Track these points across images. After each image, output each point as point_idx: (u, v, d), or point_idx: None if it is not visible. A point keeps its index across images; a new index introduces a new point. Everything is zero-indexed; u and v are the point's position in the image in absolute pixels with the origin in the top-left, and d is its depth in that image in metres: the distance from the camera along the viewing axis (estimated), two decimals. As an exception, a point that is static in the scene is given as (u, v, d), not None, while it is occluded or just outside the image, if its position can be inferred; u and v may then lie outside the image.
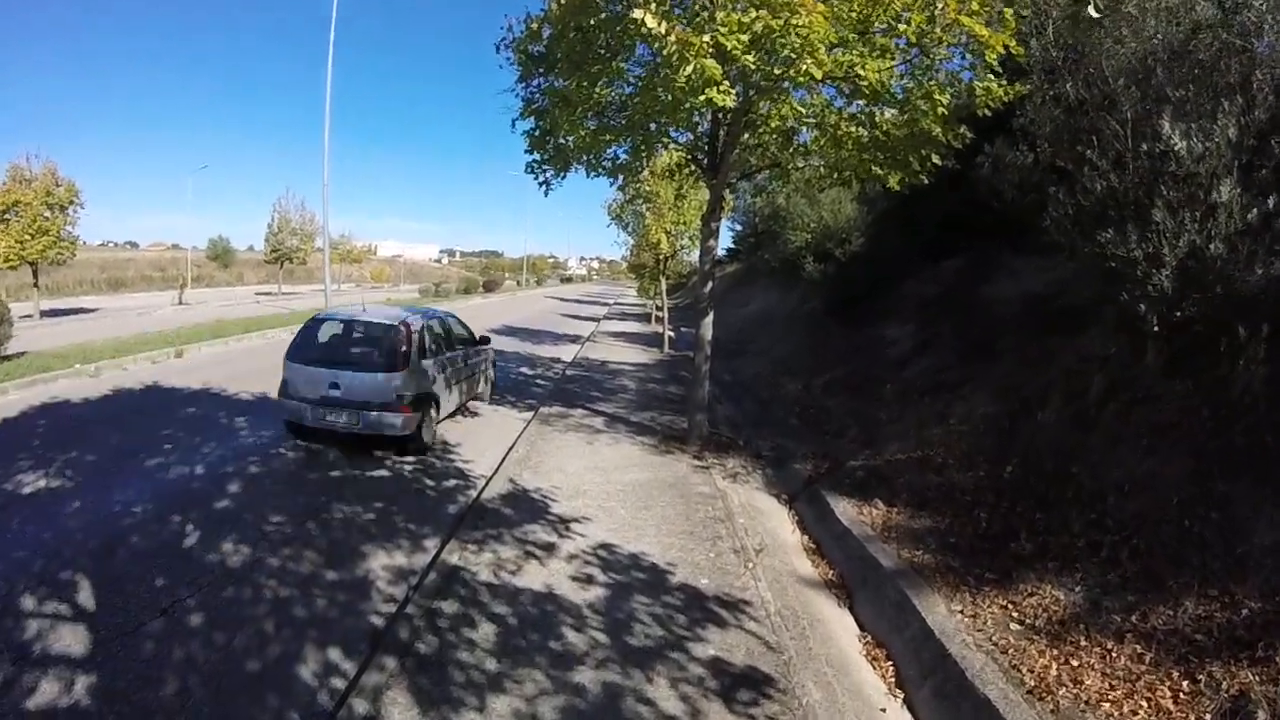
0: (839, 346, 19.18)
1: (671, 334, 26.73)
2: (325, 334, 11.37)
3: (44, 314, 28.71)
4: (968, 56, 8.80)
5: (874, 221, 20.17)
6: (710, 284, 10.96)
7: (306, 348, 10.84)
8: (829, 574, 7.88)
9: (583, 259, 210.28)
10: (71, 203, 28.14)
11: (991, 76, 8.74)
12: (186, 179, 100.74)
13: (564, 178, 11.41)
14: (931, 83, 8.75)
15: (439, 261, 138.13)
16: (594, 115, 9.96)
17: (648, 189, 21.26)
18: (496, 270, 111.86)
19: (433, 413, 10.81)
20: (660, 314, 31.88)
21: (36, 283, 29.06)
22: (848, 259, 19.82)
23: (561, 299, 68.24)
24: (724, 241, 25.25)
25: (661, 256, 23.64)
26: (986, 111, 9.12)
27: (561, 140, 10.35)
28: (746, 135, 10.82)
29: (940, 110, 8.68)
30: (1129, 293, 7.71)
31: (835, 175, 11.47)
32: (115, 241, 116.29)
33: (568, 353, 23.86)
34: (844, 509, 9.01)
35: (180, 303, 37.61)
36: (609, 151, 11.02)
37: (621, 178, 12.05)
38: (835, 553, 8.30)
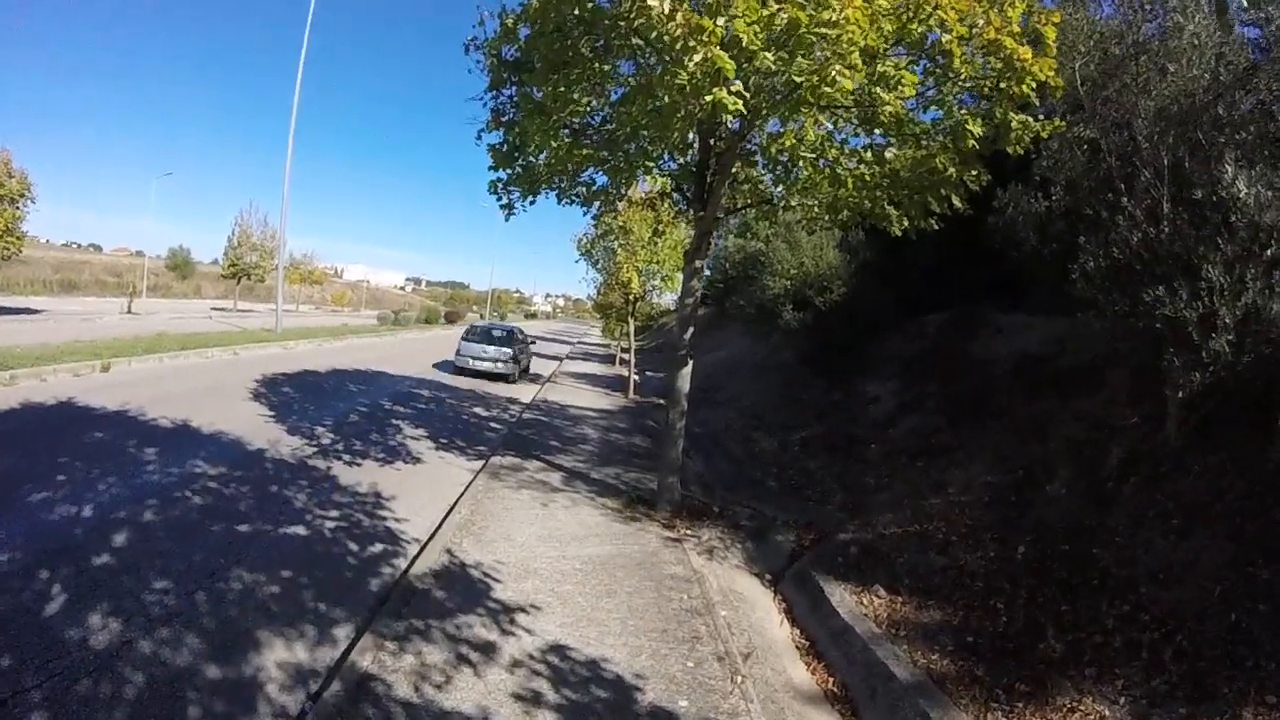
0: (816, 400, 18.10)
1: (637, 378, 25.42)
2: (480, 328, 26.27)
3: (-15, 312, 26.95)
4: (999, 86, 7.59)
5: (856, 270, 19.17)
6: (691, 329, 9.66)
7: (470, 334, 25.65)
8: (829, 683, 6.57)
9: (548, 295, 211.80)
10: (23, 195, 26.18)
11: (1016, 110, 7.62)
12: (150, 184, 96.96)
13: (531, 202, 10.11)
14: (964, 110, 7.56)
15: (403, 289, 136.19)
16: (571, 130, 8.71)
17: (622, 223, 20.06)
18: (461, 302, 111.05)
19: (517, 367, 25.06)
20: (625, 356, 30.69)
21: (-20, 279, 26.94)
22: (828, 308, 18.72)
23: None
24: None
25: (631, 296, 22.36)
26: (1018, 149, 7.99)
27: (531, 158, 9.06)
28: (739, 167, 9.66)
29: (971, 143, 7.51)
30: (1177, 356, 6.81)
31: (829, 216, 10.34)
32: (79, 243, 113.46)
33: (527, 394, 22.36)
34: (841, 597, 7.78)
35: (129, 311, 36.43)
36: (584, 175, 9.78)
37: (597, 205, 10.71)
38: (835, 654, 7.00)
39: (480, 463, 12.19)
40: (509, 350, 24.88)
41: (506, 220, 10.10)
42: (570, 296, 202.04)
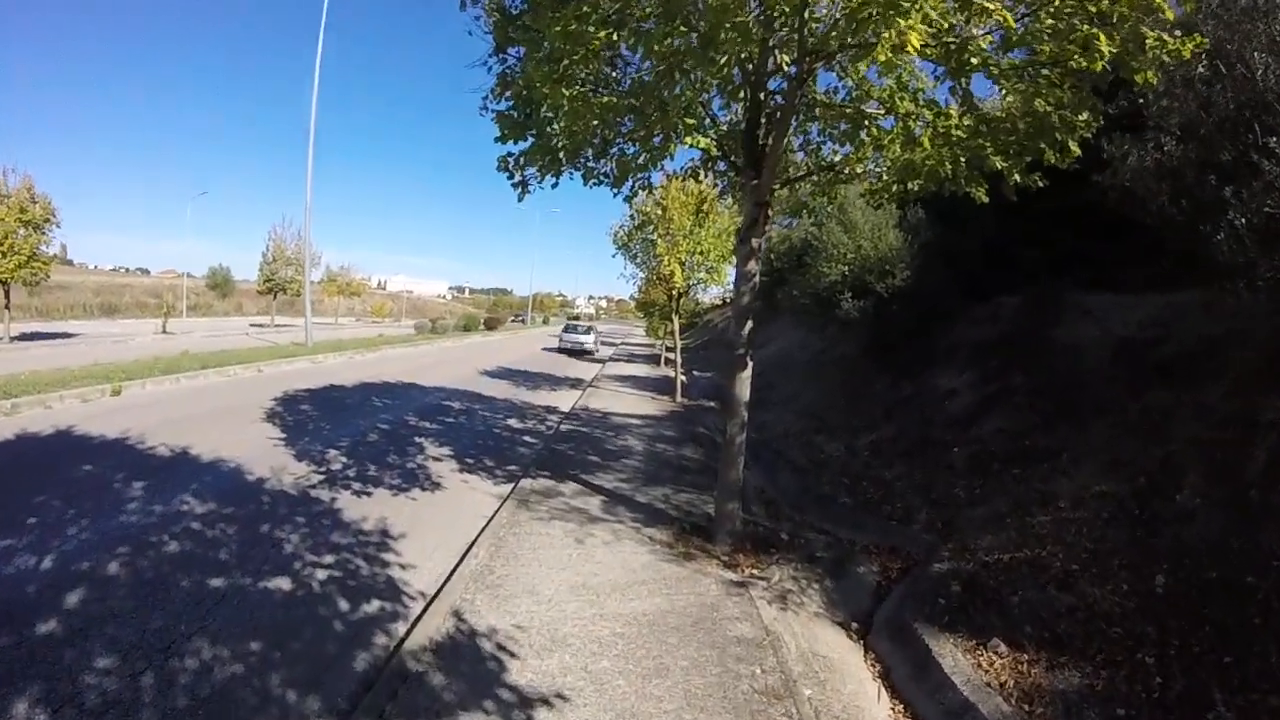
0: (882, 397, 16.38)
1: (684, 379, 23.69)
2: (571, 325, 49.49)
3: (16, 338, 27.46)
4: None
5: (918, 252, 17.38)
6: (749, 324, 7.98)
7: (567, 329, 46.65)
8: (956, 796, 4.91)
9: (591, 297, 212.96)
10: (48, 220, 26.41)
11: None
12: (186, 205, 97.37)
13: (554, 184, 8.53)
14: (1087, 26, 5.81)
15: (443, 298, 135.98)
16: (590, 82, 7.12)
17: (660, 210, 18.43)
18: (504, 308, 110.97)
19: (595, 341, 44.16)
20: (670, 356, 29.07)
21: (7, 304, 26.91)
22: (890, 295, 16.94)
23: (566, 338, 65.80)
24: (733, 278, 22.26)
25: (674, 292, 20.65)
26: (1150, 77, 6.19)
27: (547, 126, 7.43)
28: (798, 122, 8.02)
29: (1100, 65, 5.76)
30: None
31: (898, 185, 8.67)
32: (127, 267, 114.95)
33: (566, 401, 20.82)
34: (954, 659, 6.15)
35: (164, 331, 36.27)
36: (613, 148, 8.15)
37: (630, 185, 9.07)
38: (958, 746, 5.38)
39: (509, 486, 10.65)
40: (590, 336, 44.13)
41: (520, 200, 8.47)
42: (613, 297, 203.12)
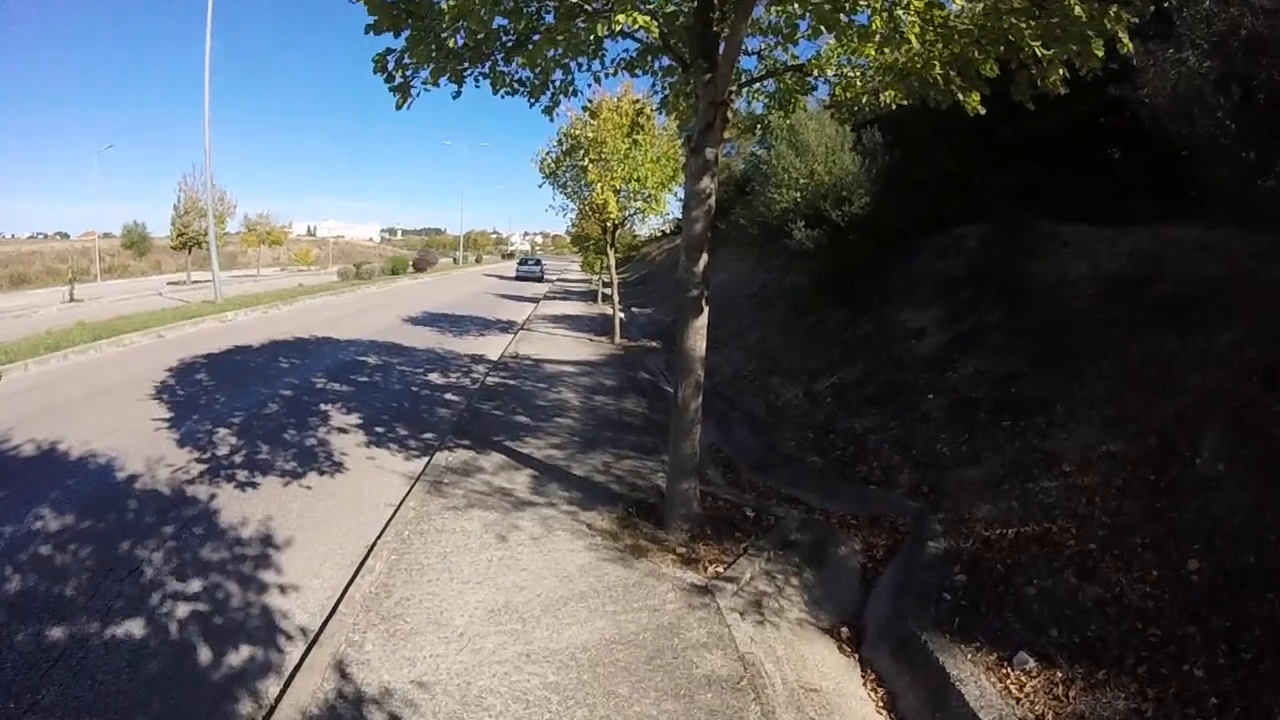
0: (839, 335, 15.10)
1: (622, 318, 22.02)
2: (523, 257, 74.69)
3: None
4: None
5: (877, 177, 15.98)
6: (703, 257, 6.38)
7: (520, 262, 64.75)
8: None
9: (526, 233, 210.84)
10: None
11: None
12: (91, 161, 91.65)
13: (457, 92, 6.77)
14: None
15: (371, 241, 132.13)
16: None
17: (590, 133, 16.57)
18: (438, 247, 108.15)
19: (542, 271, 60.36)
20: (608, 293, 27.48)
21: None
22: (847, 223, 15.54)
23: (500, 277, 63.15)
24: (672, 208, 20.32)
25: (609, 224, 18.88)
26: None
27: (431, 6, 5.62)
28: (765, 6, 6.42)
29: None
30: None
31: (872, 94, 7.27)
32: (45, 233, 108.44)
33: (495, 348, 19.08)
34: (975, 683, 4.97)
35: (70, 299, 32.88)
36: (528, 41, 6.36)
37: (550, 93, 7.32)
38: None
39: (422, 462, 9.09)
40: (539, 267, 59.84)
41: (399, 107, 6.61)
42: (549, 233, 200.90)
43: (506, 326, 24.56)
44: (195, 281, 47.95)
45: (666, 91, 8.33)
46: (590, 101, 16.48)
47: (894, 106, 7.50)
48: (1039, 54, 5.20)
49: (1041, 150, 14.52)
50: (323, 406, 11.74)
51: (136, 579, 5.86)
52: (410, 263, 61.21)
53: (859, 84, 7.28)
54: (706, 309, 6.51)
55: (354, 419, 11.10)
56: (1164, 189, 12.46)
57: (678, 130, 17.47)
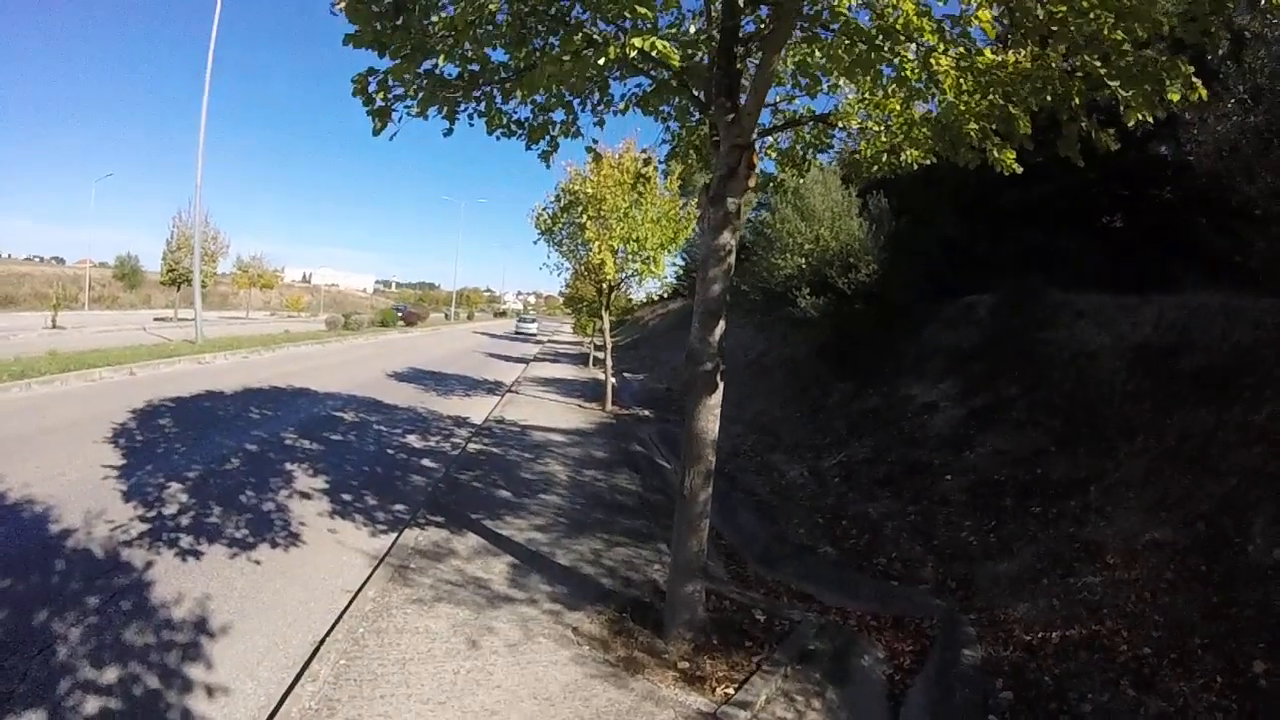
0: (845, 409, 14.30)
1: (615, 383, 21.14)
2: (521, 316, 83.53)
3: None
4: None
5: (885, 244, 15.34)
6: (719, 325, 5.51)
7: (519, 319, 77.55)
8: None
9: (519, 293, 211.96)
10: None
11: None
12: (90, 188, 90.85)
13: (449, 129, 5.93)
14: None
15: (365, 292, 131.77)
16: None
17: (589, 190, 15.81)
18: (431, 302, 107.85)
19: (537, 329, 68.66)
20: (600, 356, 26.63)
21: None
22: (853, 291, 14.82)
23: (491, 335, 62.56)
24: (668, 274, 19.46)
25: (605, 286, 18.17)
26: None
27: (424, 19, 4.80)
28: (793, 44, 5.66)
29: None
30: None
31: (890, 154, 6.72)
32: (41, 256, 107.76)
33: (480, 410, 18.06)
34: None
35: (53, 326, 32.18)
36: (523, 63, 5.53)
37: (550, 139, 6.49)
38: None
39: (389, 539, 8.08)
40: (534, 325, 67.89)
41: (376, 134, 5.73)
42: (541, 293, 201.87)
43: (494, 388, 23.57)
44: (182, 319, 47.10)
45: (676, 141, 7.53)
46: (595, 143, 15.81)
47: (914, 166, 6.78)
48: (1120, 95, 4.42)
49: (1046, 216, 13.97)
50: (288, 466, 10.75)
51: (47, 659, 4.93)
52: (400, 316, 60.49)
53: (882, 139, 6.52)
54: (721, 386, 5.64)
55: (320, 482, 10.11)
56: (1182, 255, 11.80)
57: (678, 189, 16.77)
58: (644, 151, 16.24)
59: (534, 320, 74.77)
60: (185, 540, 7.49)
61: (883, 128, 6.49)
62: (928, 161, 6.65)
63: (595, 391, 22.46)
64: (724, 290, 5.36)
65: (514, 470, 11.43)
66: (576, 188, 15.91)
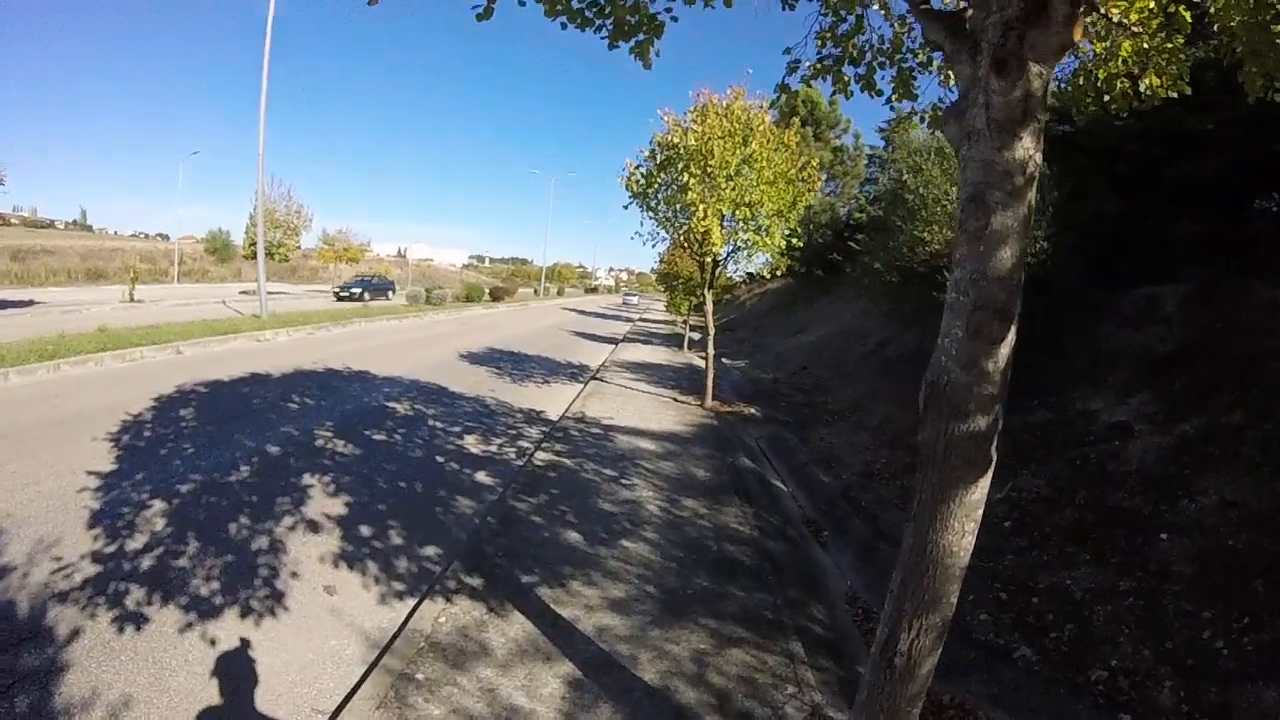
0: (1006, 424, 11.32)
1: (715, 372, 17.67)
2: (626, 293, 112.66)
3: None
4: None
5: (1052, 218, 12.37)
6: (1010, 332, 2.75)
7: (626, 294, 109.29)
8: None
9: (611, 269, 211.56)
10: None
11: None
12: (178, 166, 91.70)
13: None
14: None
15: (453, 266, 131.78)
16: None
17: (692, 140, 13.13)
18: (523, 278, 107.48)
19: (639, 304, 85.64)
20: (695, 336, 23.96)
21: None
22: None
23: (580, 311, 60.18)
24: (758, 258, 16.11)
25: (710, 260, 15.26)
26: None
27: None
28: None
29: None
30: None
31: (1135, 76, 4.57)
32: (147, 233, 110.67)
33: (558, 402, 15.61)
34: None
35: (130, 299, 31.87)
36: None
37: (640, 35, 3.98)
38: None
39: (401, 612, 5.73)
40: (636, 298, 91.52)
41: (480, 19, 3.52)
42: (633, 270, 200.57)
43: (577, 372, 21.17)
44: (268, 293, 46.58)
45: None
46: (695, 107, 13.18)
47: (1155, 100, 4.26)
48: None
49: (1224, 194, 11.09)
50: (305, 480, 8.53)
51: None
52: (487, 291, 58.87)
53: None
54: (994, 459, 2.94)
55: (338, 505, 7.85)
56: None
57: (796, 146, 13.93)
58: (759, 97, 13.57)
59: (637, 296, 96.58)
60: (135, 596, 5.50)
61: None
62: (1172, 94, 4.37)
63: (692, 381, 19.82)
64: (1019, 259, 2.64)
65: (589, 497, 8.87)
66: (677, 140, 13.13)
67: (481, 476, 9.52)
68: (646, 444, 11.95)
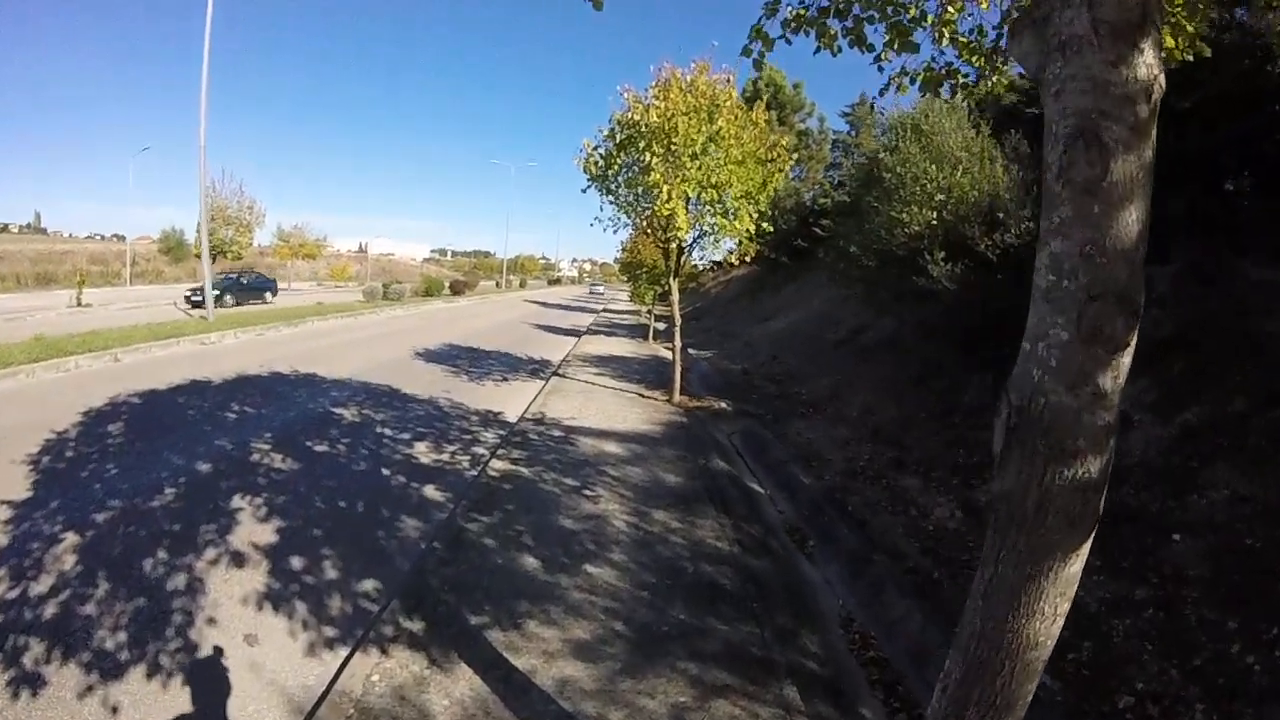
0: (983, 411, 10.80)
1: (683, 365, 16.69)
2: (591, 284, 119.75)
3: None
4: None
5: (1036, 197, 11.71)
6: (1134, 332, 1.95)
7: (592, 284, 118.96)
8: None
9: (574, 260, 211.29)
10: None
11: None
12: (129, 163, 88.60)
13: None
14: None
15: (414, 260, 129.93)
16: None
17: (656, 117, 12.01)
18: (486, 270, 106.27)
19: (604, 293, 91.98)
20: (660, 327, 23.08)
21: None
22: (999, 257, 11.26)
23: (542, 304, 58.93)
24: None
25: (675, 245, 14.26)
26: None
27: None
28: None
29: None
30: None
31: None
32: (102, 234, 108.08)
33: (517, 401, 14.62)
34: None
35: (78, 304, 30.49)
36: None
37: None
38: None
39: (329, 666, 4.88)
40: (601, 288, 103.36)
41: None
42: (596, 260, 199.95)
43: (538, 368, 20.16)
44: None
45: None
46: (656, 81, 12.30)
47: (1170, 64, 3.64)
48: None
49: (1209, 169, 10.55)
50: (235, 503, 7.63)
51: None
52: (447, 285, 57.61)
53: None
54: (1099, 513, 2.13)
55: (269, 532, 6.97)
56: None
57: (765, 123, 13.13)
58: (725, 71, 12.72)
59: (603, 286, 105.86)
60: (34, 653, 4.77)
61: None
62: (1188, 57, 3.98)
63: (658, 375, 18.98)
64: (1146, 226, 1.82)
65: (549, 513, 7.98)
66: (638, 118, 12.15)
67: (431, 491, 8.64)
68: (612, 447, 11.09)
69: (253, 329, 22.71)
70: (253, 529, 7.01)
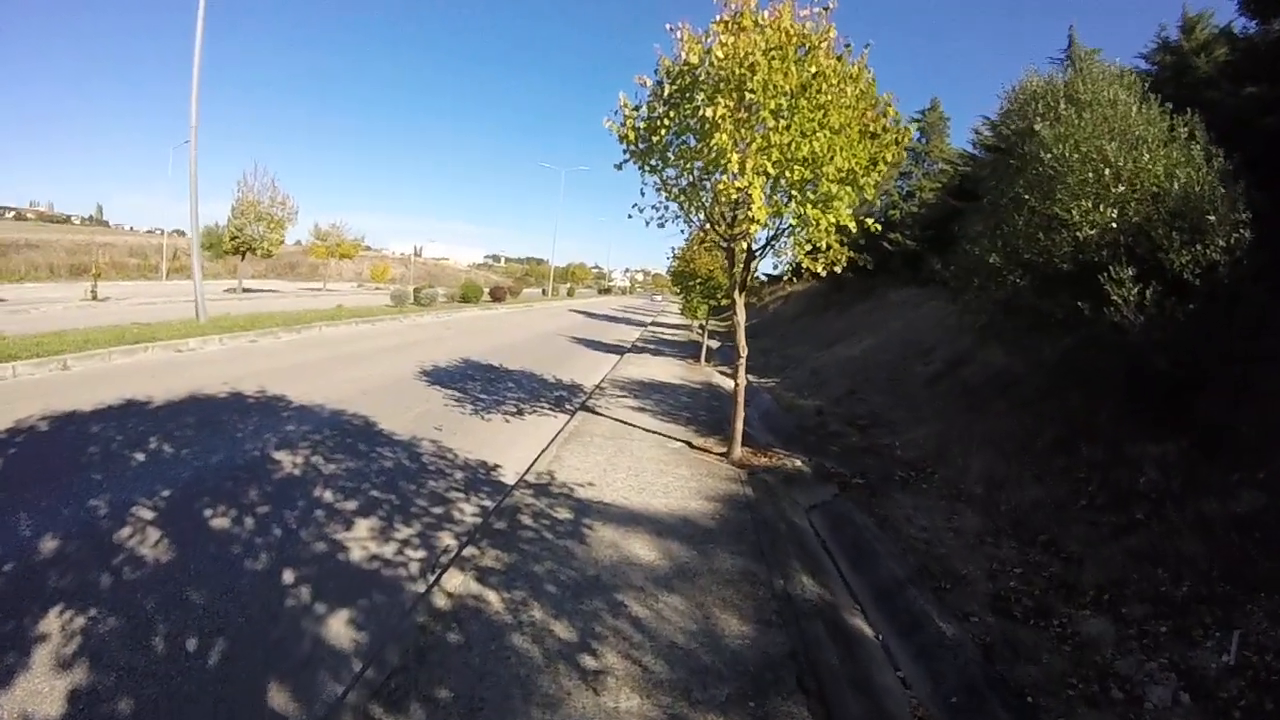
0: (1200, 511, 7.21)
1: (744, 399, 11.76)
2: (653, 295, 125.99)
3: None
4: None
5: (1242, 193, 8.20)
6: None
7: (652, 296, 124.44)
8: None
9: (627, 270, 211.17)
10: None
11: None
12: (167, 153, 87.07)
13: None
14: None
15: (466, 265, 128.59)
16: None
17: (722, 54, 7.87)
18: (536, 277, 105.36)
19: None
20: (713, 344, 19.37)
21: None
22: (1201, 277, 7.75)
23: (587, 314, 55.45)
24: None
25: (743, 243, 10.14)
26: None
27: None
28: None
29: None
30: None
31: None
32: (163, 228, 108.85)
33: (523, 450, 11.02)
34: None
35: (91, 298, 29.14)
36: None
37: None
38: None
39: None
40: (660, 298, 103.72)
41: None
42: (649, 271, 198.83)
43: (565, 396, 16.66)
44: (246, 290, 44.93)
45: None
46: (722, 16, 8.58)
47: None
48: None
49: None
50: (41, 627, 4.52)
51: None
52: (487, 291, 54.59)
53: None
54: None
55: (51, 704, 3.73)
56: None
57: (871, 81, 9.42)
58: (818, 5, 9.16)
59: (660, 296, 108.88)
60: None
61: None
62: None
63: (711, 412, 15.34)
64: None
65: (510, 716, 4.43)
66: (696, 61, 8.20)
67: (335, 634, 5.20)
68: (641, 549, 7.36)
69: (245, 334, 19.76)
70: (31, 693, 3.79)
